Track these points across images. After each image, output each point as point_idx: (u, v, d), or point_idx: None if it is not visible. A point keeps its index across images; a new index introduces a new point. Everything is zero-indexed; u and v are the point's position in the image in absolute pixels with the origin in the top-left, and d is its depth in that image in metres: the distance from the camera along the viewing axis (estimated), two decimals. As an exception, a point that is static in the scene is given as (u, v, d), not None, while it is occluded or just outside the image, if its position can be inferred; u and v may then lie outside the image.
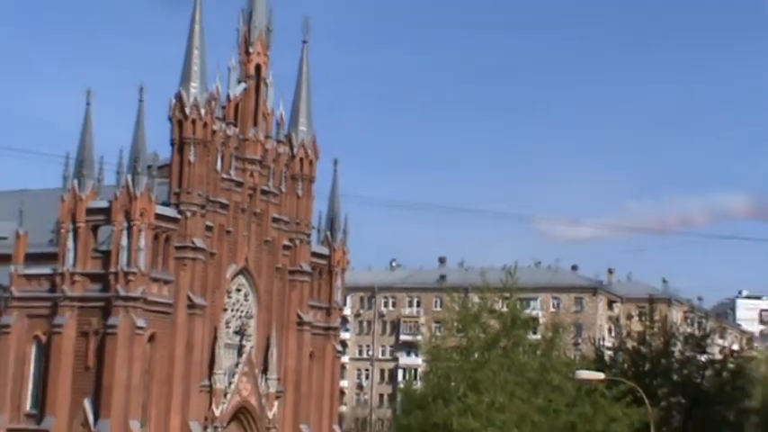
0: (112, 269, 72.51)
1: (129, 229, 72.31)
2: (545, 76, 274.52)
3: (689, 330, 62.52)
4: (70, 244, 74.26)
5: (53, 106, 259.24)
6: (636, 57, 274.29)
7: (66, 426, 72.82)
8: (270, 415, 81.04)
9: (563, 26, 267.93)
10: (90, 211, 74.36)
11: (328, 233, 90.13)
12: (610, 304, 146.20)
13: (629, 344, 58.20)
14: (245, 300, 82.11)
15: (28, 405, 75.78)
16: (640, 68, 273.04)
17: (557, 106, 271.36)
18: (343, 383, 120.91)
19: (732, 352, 66.06)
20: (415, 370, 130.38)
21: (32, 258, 76.83)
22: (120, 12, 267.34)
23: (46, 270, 75.58)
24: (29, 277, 76.57)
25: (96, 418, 71.64)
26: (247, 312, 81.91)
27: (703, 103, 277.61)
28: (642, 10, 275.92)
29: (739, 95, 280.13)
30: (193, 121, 76.03)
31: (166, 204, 75.32)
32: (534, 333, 48.62)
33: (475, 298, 47.35)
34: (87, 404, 72.43)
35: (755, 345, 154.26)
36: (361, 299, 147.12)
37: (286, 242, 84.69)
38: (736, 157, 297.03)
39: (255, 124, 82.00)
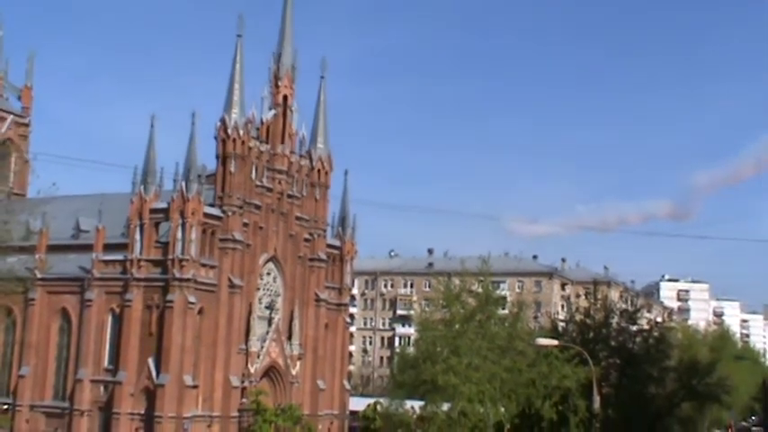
0: (170, 256, 72.96)
1: (183, 225, 72.72)
2: (508, 104, 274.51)
3: (623, 306, 62.76)
4: (137, 236, 74.64)
5: (125, 128, 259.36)
6: (584, 92, 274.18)
7: (135, 378, 73.25)
8: (293, 372, 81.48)
9: (523, 63, 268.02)
10: (153, 211, 74.59)
11: (340, 229, 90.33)
12: (563, 286, 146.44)
13: (578, 317, 58.49)
14: (274, 281, 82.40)
15: (106, 362, 76.12)
16: (586, 100, 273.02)
17: (519, 130, 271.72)
18: (351, 348, 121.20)
19: (656, 323, 66.27)
20: (409, 338, 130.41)
21: (109, 247, 77.06)
22: (178, 52, 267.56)
23: (119, 257, 75.85)
24: (106, 262, 76.86)
25: (158, 373, 72.05)
26: (275, 291, 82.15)
27: (634, 126, 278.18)
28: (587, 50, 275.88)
29: (666, 122, 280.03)
30: (234, 140, 76.49)
31: (212, 205, 75.59)
32: (503, 309, 48.87)
33: (456, 281, 47.56)
34: (151, 362, 72.81)
35: (674, 318, 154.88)
36: (366, 281, 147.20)
37: (306, 236, 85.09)
38: (661, 171, 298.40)
39: (283, 142, 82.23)
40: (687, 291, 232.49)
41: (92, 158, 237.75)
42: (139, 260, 74.40)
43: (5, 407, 74.54)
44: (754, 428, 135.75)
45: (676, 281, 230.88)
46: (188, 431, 71.75)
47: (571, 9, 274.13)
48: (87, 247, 78.28)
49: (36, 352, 79.68)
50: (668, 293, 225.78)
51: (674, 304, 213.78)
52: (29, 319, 79.92)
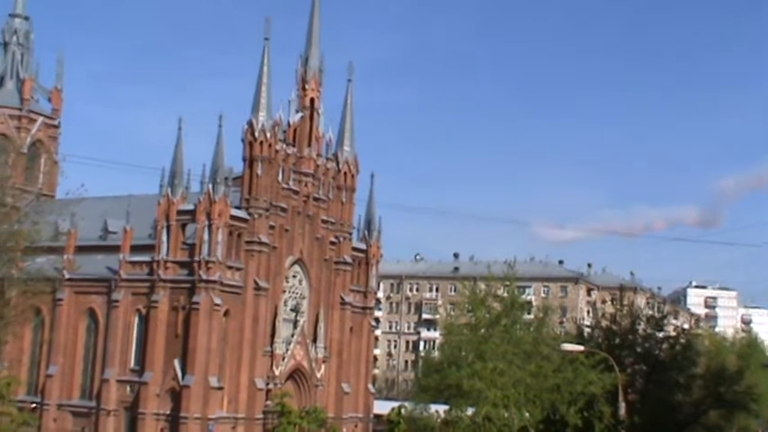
0: (196, 258, 73.26)
1: (210, 227, 72.98)
2: (537, 107, 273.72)
3: (650, 312, 62.21)
4: (164, 238, 74.99)
5: (153, 130, 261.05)
6: (612, 95, 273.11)
7: (161, 379, 73.59)
8: (318, 375, 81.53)
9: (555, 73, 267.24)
10: (180, 213, 74.90)
11: (366, 232, 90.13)
12: (588, 291, 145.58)
13: (603, 323, 58.05)
14: (300, 284, 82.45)
15: (132, 362, 76.57)
16: (613, 105, 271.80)
17: (546, 132, 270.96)
18: (376, 351, 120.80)
19: (683, 330, 65.72)
20: (434, 342, 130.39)
21: (136, 249, 77.39)
22: (205, 55, 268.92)
23: (146, 258, 76.20)
24: (133, 263, 77.22)
25: (184, 374, 72.36)
26: (301, 294, 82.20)
27: (663, 135, 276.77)
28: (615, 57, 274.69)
29: (692, 129, 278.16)
30: (261, 143, 76.64)
31: (239, 208, 75.73)
32: (528, 314, 48.59)
33: (482, 285, 47.28)
34: (177, 363, 73.11)
35: (701, 324, 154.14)
36: (392, 285, 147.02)
37: (332, 239, 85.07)
38: (688, 176, 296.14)
39: (309, 145, 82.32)
40: (715, 298, 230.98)
41: (120, 160, 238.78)
42: (166, 261, 74.72)
43: (34, 405, 74.98)
44: None
45: (704, 288, 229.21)
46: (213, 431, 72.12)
47: (599, 10, 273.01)
48: (115, 248, 78.75)
49: (64, 351, 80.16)
50: (695, 300, 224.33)
51: (702, 311, 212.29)
52: (57, 319, 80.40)
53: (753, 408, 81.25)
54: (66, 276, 79.39)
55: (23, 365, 79.79)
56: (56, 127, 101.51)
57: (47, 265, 68.23)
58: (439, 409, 44.22)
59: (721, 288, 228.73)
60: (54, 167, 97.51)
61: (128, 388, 76.14)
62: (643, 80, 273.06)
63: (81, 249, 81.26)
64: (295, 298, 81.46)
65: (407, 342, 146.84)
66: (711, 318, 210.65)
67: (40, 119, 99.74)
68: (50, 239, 69.43)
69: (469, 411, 38.11)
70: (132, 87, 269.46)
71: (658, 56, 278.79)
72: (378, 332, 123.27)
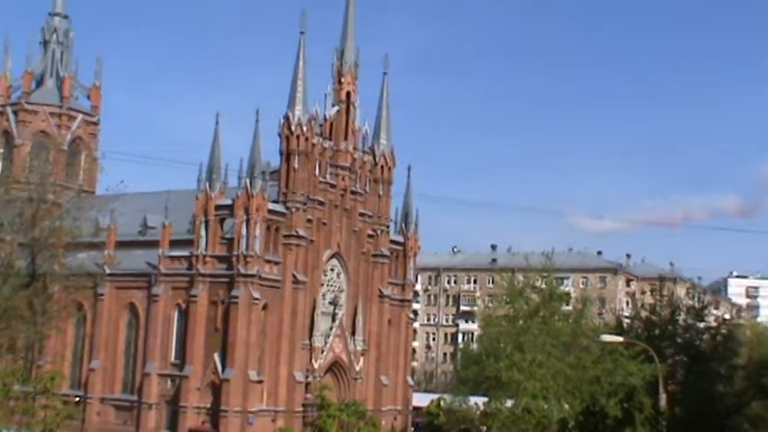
0: (235, 252, 73.54)
1: (248, 221, 73.21)
2: (580, 99, 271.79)
3: (690, 303, 61.68)
4: (203, 232, 75.35)
5: (190, 125, 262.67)
6: (650, 84, 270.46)
7: (201, 373, 74.03)
8: (357, 368, 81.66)
9: (593, 61, 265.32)
10: (218, 207, 75.20)
11: (403, 225, 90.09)
12: (627, 282, 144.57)
13: (643, 314, 57.57)
14: (338, 277, 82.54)
15: (172, 356, 77.01)
16: (653, 93, 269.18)
17: (589, 123, 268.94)
18: (415, 344, 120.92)
19: (724, 320, 64.99)
20: (472, 334, 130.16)
21: (175, 243, 77.89)
22: (241, 50, 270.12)
23: (185, 253, 76.68)
24: (172, 258, 77.73)
25: (223, 367, 72.73)
26: (339, 287, 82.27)
27: (703, 121, 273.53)
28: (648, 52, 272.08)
29: (734, 115, 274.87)
30: (298, 137, 76.74)
31: (276, 202, 75.87)
32: (567, 305, 48.36)
33: (520, 277, 47.12)
34: (216, 357, 73.50)
35: (743, 314, 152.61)
36: (429, 277, 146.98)
37: (370, 232, 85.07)
38: (728, 166, 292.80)
39: (346, 138, 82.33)
40: (756, 287, 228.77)
41: (158, 156, 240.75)
42: (205, 256, 75.10)
43: (77, 399, 75.83)
44: None
45: (745, 277, 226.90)
46: (253, 425, 72.31)
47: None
48: (154, 244, 79.23)
49: (105, 346, 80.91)
50: (736, 290, 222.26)
51: (743, 301, 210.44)
52: (98, 314, 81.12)
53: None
54: (107, 272, 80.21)
55: (66, 360, 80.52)
56: (95, 124, 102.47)
57: (88, 261, 69.05)
58: (478, 401, 44.11)
59: (763, 278, 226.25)
60: (94, 164, 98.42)
61: (168, 382, 76.70)
62: (682, 66, 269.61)
63: (121, 245, 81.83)
64: (333, 291, 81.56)
65: (446, 334, 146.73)
66: (753, 308, 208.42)
67: (80, 116, 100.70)
68: (91, 235, 70.00)
69: (508, 403, 38.00)
70: (172, 83, 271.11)
71: (699, 43, 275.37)
72: (416, 324, 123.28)
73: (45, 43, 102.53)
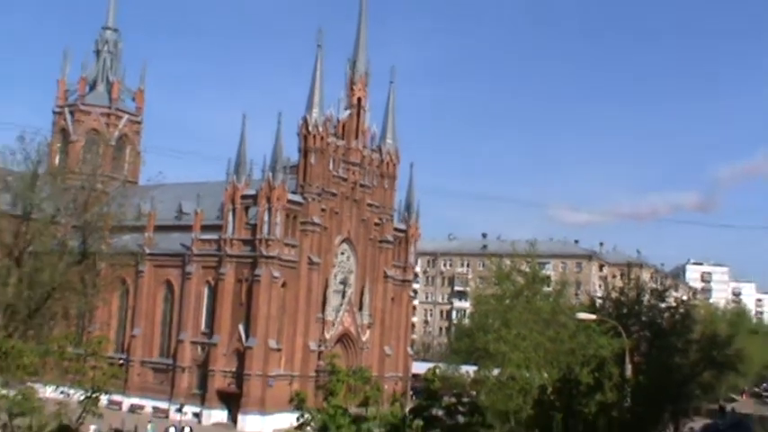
0: (258, 236, 73.83)
1: (270, 209, 73.46)
2: (561, 106, 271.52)
3: (654, 286, 61.44)
4: (230, 219, 75.60)
5: (220, 124, 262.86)
6: (623, 94, 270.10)
7: (227, 341, 74.42)
8: (363, 339, 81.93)
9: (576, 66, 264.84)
10: (243, 197, 75.44)
11: (405, 214, 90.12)
12: (600, 267, 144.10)
13: (613, 295, 57.41)
14: (348, 260, 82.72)
15: (203, 326, 77.38)
16: (626, 102, 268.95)
17: (569, 128, 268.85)
18: (414, 319, 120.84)
19: (682, 301, 64.90)
20: (465, 311, 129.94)
21: (206, 228, 78.05)
22: (266, 58, 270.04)
23: (214, 236, 76.88)
24: (203, 241, 77.93)
25: (247, 337, 73.15)
26: (349, 268, 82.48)
27: (668, 128, 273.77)
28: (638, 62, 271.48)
29: (694, 123, 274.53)
30: (314, 136, 76.90)
31: (295, 193, 76.06)
32: (548, 287, 48.30)
33: (507, 261, 47.08)
34: (241, 328, 73.86)
35: (698, 296, 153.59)
36: (428, 261, 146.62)
37: (376, 220, 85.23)
38: (688, 168, 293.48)
39: (356, 138, 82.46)
40: (710, 273, 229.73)
41: (192, 151, 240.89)
42: (232, 239, 75.33)
43: (121, 362, 76.24)
44: (764, 393, 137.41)
45: (700, 264, 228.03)
46: (272, 387, 72.69)
47: (624, 10, 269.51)
48: (188, 228, 79.48)
49: (145, 316, 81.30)
50: (693, 275, 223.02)
51: (699, 285, 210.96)
52: (139, 289, 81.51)
53: (741, 368, 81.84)
54: (147, 252, 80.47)
55: (112, 327, 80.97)
56: (138, 122, 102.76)
57: (131, 242, 69.20)
58: (469, 370, 44.22)
59: (715, 264, 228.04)
60: (137, 158, 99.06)
61: (199, 348, 77.10)
62: (653, 82, 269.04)
63: (159, 228, 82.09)
64: (343, 272, 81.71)
65: (441, 311, 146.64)
66: (707, 290, 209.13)
67: (126, 116, 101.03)
68: (133, 220, 70.35)
69: (495, 372, 38.09)
70: (203, 87, 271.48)
71: (666, 59, 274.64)
72: (415, 302, 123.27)
73: (98, 53, 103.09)
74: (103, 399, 23.52)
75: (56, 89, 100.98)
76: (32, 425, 22.71)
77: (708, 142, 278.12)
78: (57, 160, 77.39)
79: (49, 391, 23.74)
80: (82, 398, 23.15)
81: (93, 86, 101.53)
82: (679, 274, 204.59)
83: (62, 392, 23.42)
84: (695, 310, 74.01)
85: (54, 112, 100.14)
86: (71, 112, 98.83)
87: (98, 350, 25.45)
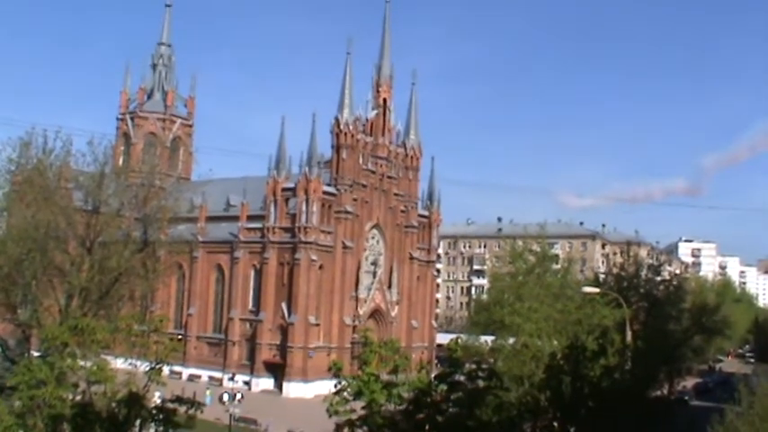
0: (297, 224, 74.27)
1: (307, 200, 73.86)
2: (567, 102, 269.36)
3: (650, 262, 61.32)
4: (272, 209, 76.13)
5: (262, 125, 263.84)
6: (621, 91, 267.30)
7: (272, 318, 75.10)
8: (392, 314, 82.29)
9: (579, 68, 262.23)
10: (284, 190, 75.82)
11: (428, 202, 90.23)
12: (603, 246, 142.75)
13: (614, 270, 57.37)
14: (377, 243, 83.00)
15: (250, 305, 78.09)
16: (624, 97, 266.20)
17: (574, 122, 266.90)
18: (438, 295, 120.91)
19: (675, 275, 64.90)
20: (483, 287, 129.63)
21: (251, 218, 78.53)
22: (302, 66, 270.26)
23: (258, 225, 77.31)
24: (249, 229, 78.47)
25: (289, 313, 73.82)
26: (378, 251, 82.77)
27: (660, 120, 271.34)
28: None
29: (683, 116, 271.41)
30: (345, 134, 77.16)
31: (329, 185, 76.36)
32: (556, 264, 48.29)
33: (520, 242, 47.01)
34: (284, 305, 74.50)
35: (689, 270, 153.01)
36: (449, 243, 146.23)
37: (402, 208, 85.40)
38: (678, 156, 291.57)
39: (383, 135, 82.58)
40: (699, 249, 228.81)
41: (237, 150, 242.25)
42: (274, 228, 75.79)
43: (180, 337, 77.04)
44: (747, 354, 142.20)
45: (691, 241, 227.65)
46: (312, 358, 73.32)
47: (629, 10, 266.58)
48: (235, 218, 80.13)
49: (199, 296, 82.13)
50: (685, 251, 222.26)
51: (689, 260, 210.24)
52: (194, 273, 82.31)
53: (727, 333, 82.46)
54: (200, 240, 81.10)
55: (171, 307, 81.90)
56: (190, 126, 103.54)
57: (185, 232, 69.86)
58: (487, 339, 44.34)
59: (704, 241, 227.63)
60: (189, 157, 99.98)
61: (247, 324, 77.82)
62: (650, 78, 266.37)
63: (210, 219, 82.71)
64: (374, 254, 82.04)
65: (462, 288, 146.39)
66: (697, 265, 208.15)
67: (179, 121, 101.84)
68: (187, 212, 71.05)
69: (511, 341, 38.17)
70: (245, 92, 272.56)
71: (659, 59, 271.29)
72: (438, 280, 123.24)
73: (154, 66, 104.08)
74: (165, 369, 23.88)
75: (119, 99, 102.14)
76: (107, 392, 23.23)
77: (693, 134, 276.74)
78: (120, 161, 78.47)
79: (119, 363, 24.21)
80: (147, 369, 23.62)
81: (150, 95, 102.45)
82: (672, 250, 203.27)
83: (130, 364, 23.87)
84: (687, 282, 73.86)
85: (117, 119, 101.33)
86: (132, 119, 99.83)
87: (160, 327, 25.84)
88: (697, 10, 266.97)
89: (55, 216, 38.88)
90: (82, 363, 23.58)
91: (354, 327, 76.71)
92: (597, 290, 39.44)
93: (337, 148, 77.29)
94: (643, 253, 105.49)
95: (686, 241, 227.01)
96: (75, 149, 40.24)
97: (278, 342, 74.70)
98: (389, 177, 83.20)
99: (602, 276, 60.91)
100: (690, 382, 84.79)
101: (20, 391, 23.08)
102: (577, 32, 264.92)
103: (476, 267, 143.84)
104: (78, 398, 23.65)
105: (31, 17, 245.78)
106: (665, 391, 56.55)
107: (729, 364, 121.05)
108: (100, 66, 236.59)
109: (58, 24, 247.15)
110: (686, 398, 73.79)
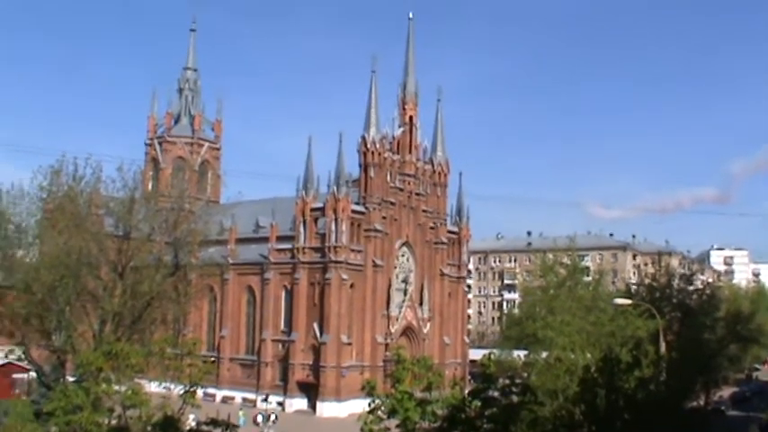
0: (327, 244, 74.31)
1: (336, 219, 73.91)
2: (595, 115, 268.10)
3: (682, 271, 60.70)
4: (302, 229, 76.28)
5: (290, 146, 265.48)
6: (649, 101, 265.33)
7: (304, 338, 75.06)
8: (425, 331, 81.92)
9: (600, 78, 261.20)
10: (313, 210, 75.97)
11: (457, 218, 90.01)
12: (634, 257, 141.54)
13: (646, 281, 56.74)
14: (407, 261, 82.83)
15: (282, 325, 78.14)
16: (652, 107, 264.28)
17: (602, 134, 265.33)
18: (469, 311, 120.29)
19: (708, 284, 64.07)
20: (514, 301, 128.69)
21: (280, 239, 78.74)
22: (327, 87, 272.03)
23: (288, 246, 77.47)
24: (279, 250, 78.66)
25: (321, 333, 73.73)
26: (408, 268, 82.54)
27: (688, 130, 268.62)
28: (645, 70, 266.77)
29: (711, 125, 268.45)
30: (372, 153, 77.28)
31: (358, 203, 76.42)
32: (587, 276, 47.97)
33: (550, 255, 46.75)
34: (315, 325, 74.44)
35: (722, 278, 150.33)
36: (479, 258, 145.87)
37: (431, 224, 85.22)
38: (707, 165, 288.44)
39: (410, 152, 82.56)
40: (731, 257, 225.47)
41: (265, 172, 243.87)
42: (304, 248, 75.95)
43: (213, 359, 77.31)
44: None
45: (723, 249, 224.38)
46: (345, 377, 73.14)
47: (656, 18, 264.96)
48: (265, 239, 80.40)
49: (231, 318, 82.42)
50: (717, 259, 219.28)
51: (722, 268, 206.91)
52: (225, 295, 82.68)
53: (763, 341, 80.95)
54: (231, 262, 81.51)
55: (203, 329, 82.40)
56: (218, 149, 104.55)
57: (216, 254, 70.18)
58: (520, 354, 44.04)
59: (736, 249, 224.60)
60: (217, 180, 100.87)
61: (280, 345, 77.93)
62: (677, 87, 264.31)
63: (240, 241, 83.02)
64: (404, 272, 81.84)
65: (493, 303, 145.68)
66: (729, 273, 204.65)
67: (206, 144, 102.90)
68: (217, 234, 71.51)
69: (543, 355, 37.85)
70: (272, 115, 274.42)
71: (683, 68, 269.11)
72: (470, 296, 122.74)
73: (180, 90, 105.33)
74: (199, 392, 24.03)
75: (146, 124, 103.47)
76: (142, 415, 23.44)
77: (722, 143, 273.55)
78: (149, 186, 79.44)
79: (153, 387, 24.41)
80: (181, 392, 23.80)
81: (177, 120, 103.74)
82: (704, 259, 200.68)
83: (164, 387, 24.07)
84: (720, 290, 72.82)
85: (146, 144, 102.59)
86: (160, 143, 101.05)
87: (193, 350, 26.00)
88: (725, 15, 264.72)
89: (87, 242, 39.37)
90: (117, 387, 23.84)
91: (387, 345, 76.35)
92: (629, 301, 39.07)
93: (365, 167, 77.49)
94: (674, 262, 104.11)
95: (718, 249, 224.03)
96: (105, 176, 40.86)
97: (311, 362, 74.71)
98: (417, 194, 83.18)
99: (633, 287, 60.23)
100: (726, 392, 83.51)
101: (56, 416, 23.41)
102: (601, 43, 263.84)
103: (507, 282, 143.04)
104: (114, 422, 23.91)
105: (58, 47, 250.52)
106: (702, 402, 55.56)
107: (766, 373, 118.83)
108: (127, 92, 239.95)
109: (84, 53, 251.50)
110: (723, 408, 72.69)
